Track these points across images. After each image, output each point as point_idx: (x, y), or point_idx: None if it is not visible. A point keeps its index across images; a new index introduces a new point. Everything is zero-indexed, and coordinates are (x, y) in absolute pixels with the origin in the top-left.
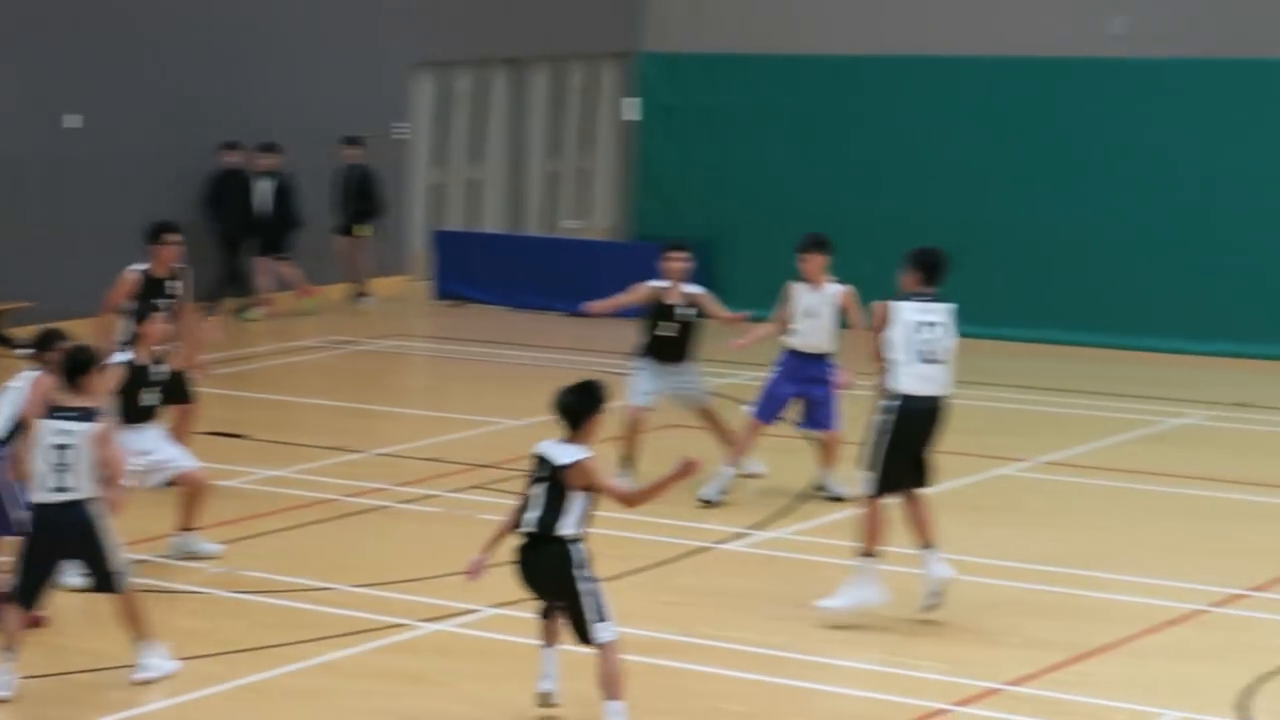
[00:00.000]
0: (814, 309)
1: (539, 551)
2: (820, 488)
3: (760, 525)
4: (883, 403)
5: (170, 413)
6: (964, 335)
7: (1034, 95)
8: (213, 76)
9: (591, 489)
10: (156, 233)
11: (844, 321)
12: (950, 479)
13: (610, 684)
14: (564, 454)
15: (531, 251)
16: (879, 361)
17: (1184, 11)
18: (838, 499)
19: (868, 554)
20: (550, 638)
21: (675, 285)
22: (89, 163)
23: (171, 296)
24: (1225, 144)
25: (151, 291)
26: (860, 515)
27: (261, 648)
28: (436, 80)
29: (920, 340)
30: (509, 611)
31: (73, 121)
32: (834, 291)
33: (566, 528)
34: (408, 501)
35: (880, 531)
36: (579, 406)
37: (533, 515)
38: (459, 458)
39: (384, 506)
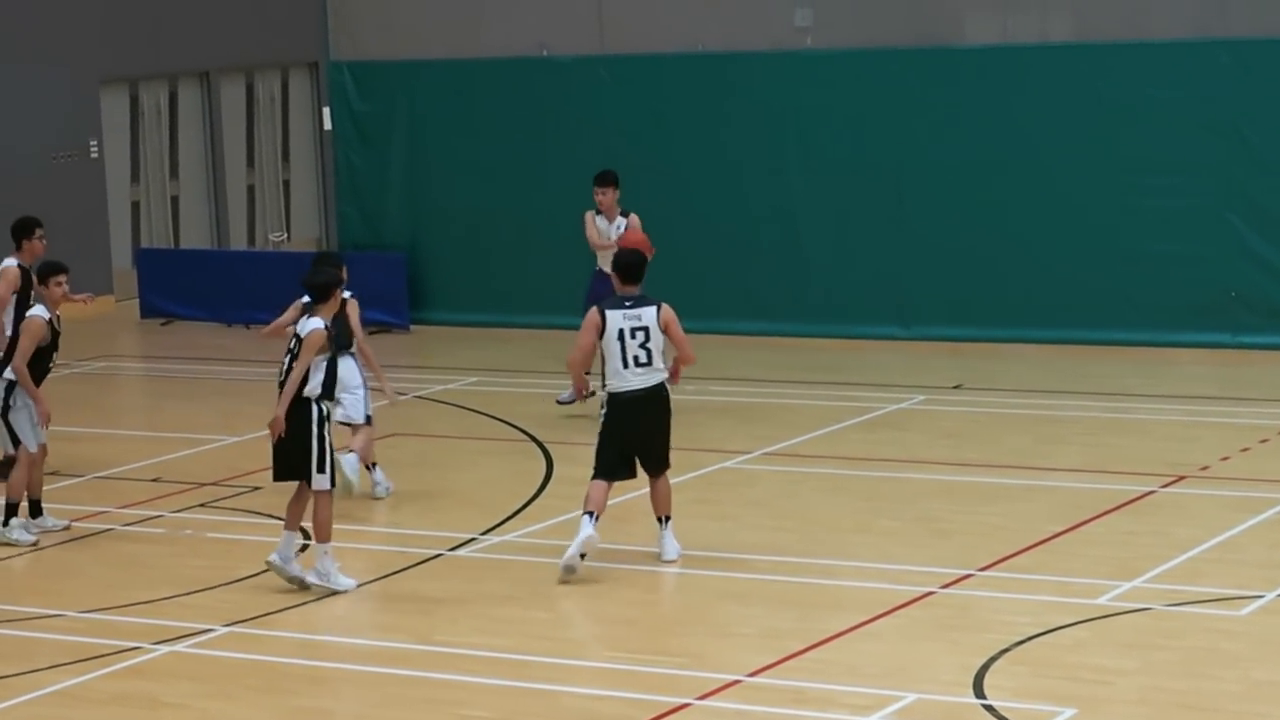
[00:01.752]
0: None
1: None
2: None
3: (488, 530)
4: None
5: None
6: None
7: (725, 90)
8: None
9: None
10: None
11: None
12: (673, 473)
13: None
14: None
15: (235, 266)
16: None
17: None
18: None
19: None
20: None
21: None
22: None
23: None
24: (919, 133)
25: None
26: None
27: None
28: (127, 95)
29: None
30: (243, 629)
31: None
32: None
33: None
34: (131, 524)
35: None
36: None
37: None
38: (179, 477)
39: (108, 530)
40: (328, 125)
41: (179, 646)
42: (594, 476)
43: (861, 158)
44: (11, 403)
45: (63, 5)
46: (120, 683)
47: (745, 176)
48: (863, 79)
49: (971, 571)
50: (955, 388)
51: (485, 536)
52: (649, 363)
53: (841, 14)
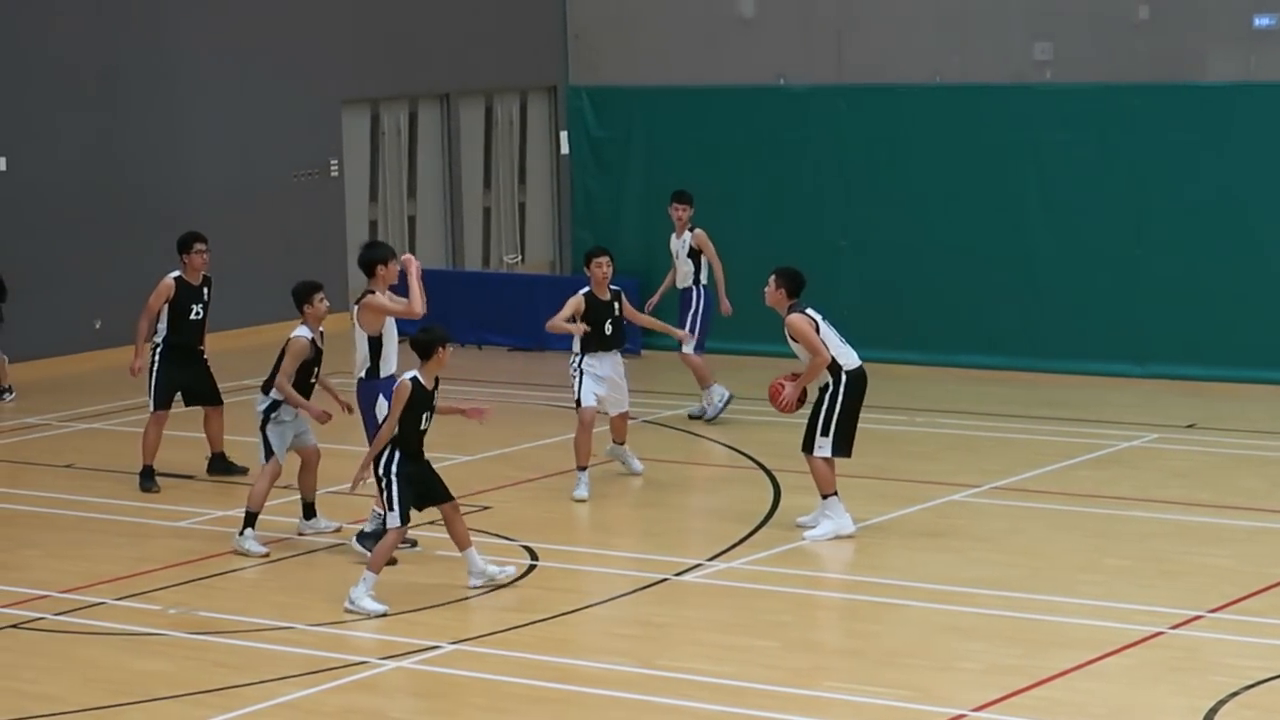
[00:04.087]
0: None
1: None
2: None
3: (715, 556)
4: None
5: None
6: (909, 363)
7: (962, 122)
8: (140, 119)
9: None
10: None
11: None
12: (902, 505)
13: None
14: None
15: (470, 287)
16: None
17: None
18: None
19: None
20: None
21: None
22: (21, 206)
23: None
24: (1159, 170)
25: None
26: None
27: (224, 688)
28: (368, 115)
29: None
30: (469, 647)
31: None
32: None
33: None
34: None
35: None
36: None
37: None
38: None
39: (339, 544)
40: (565, 149)
41: (406, 662)
42: (835, 454)
43: (1099, 193)
44: (274, 417)
45: (308, 27)
46: (347, 697)
47: (981, 208)
48: (1102, 114)
49: (1201, 613)
50: (1189, 427)
51: (711, 563)
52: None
53: (1082, 48)
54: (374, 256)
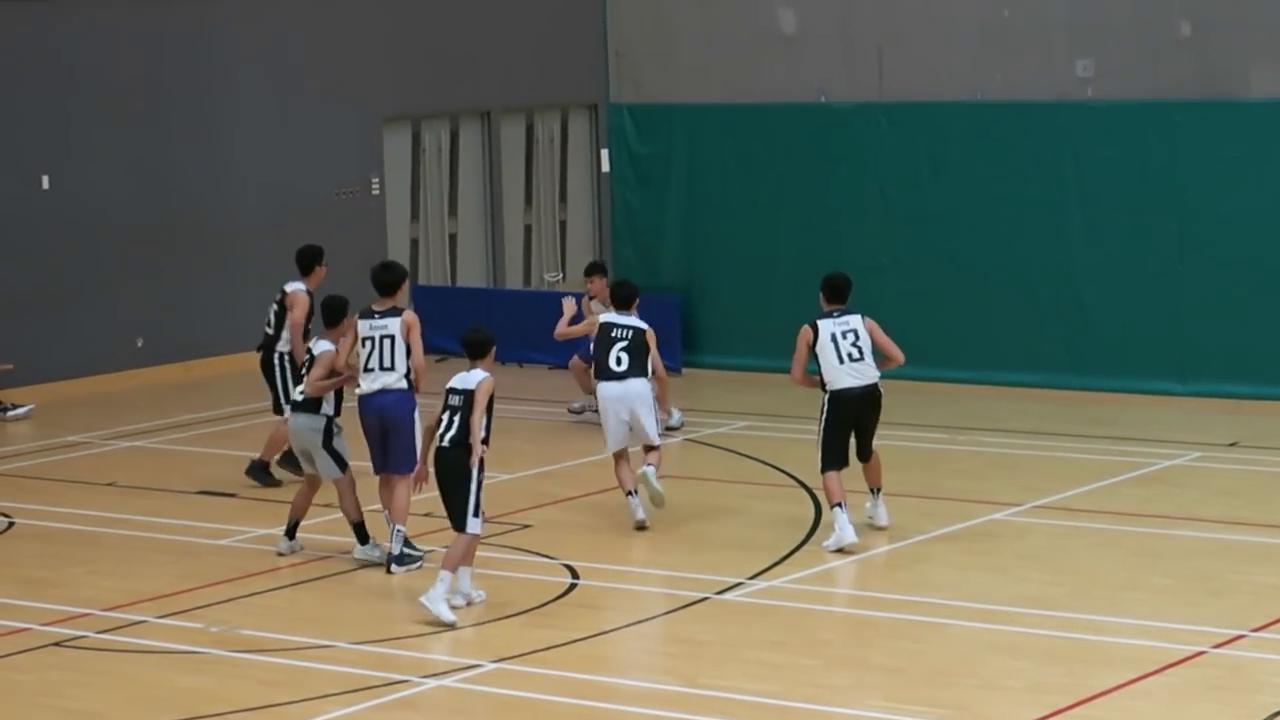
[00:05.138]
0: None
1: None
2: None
3: (757, 574)
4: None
5: None
6: (951, 380)
7: (1004, 139)
8: (183, 138)
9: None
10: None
11: None
12: (945, 523)
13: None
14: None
15: (511, 305)
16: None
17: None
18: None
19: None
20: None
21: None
22: (63, 223)
23: None
24: (1202, 186)
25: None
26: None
27: (266, 706)
28: (410, 133)
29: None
30: (510, 665)
31: (45, 183)
32: None
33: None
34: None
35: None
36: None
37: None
38: None
39: (378, 564)
40: (606, 167)
41: (447, 681)
42: (825, 469)
43: (1142, 210)
44: (335, 430)
45: (349, 44)
46: (389, 715)
47: (1023, 225)
48: (1144, 130)
49: (1245, 632)
50: (1232, 445)
51: (753, 581)
52: (861, 358)
53: (1124, 64)
54: (404, 275)
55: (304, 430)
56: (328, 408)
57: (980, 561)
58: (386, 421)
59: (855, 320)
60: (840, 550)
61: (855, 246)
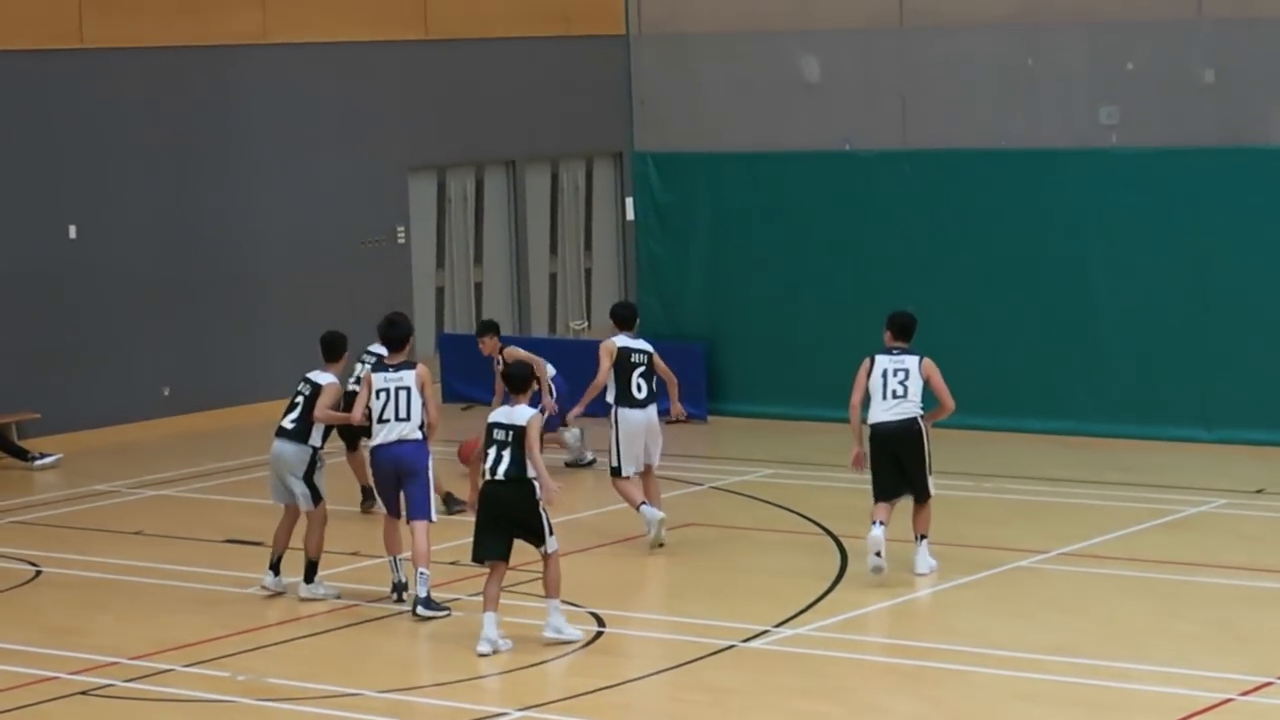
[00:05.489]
0: None
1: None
2: None
3: (783, 622)
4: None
5: None
6: (975, 427)
7: (1028, 186)
8: (208, 187)
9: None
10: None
11: None
12: (970, 571)
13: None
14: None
15: (537, 353)
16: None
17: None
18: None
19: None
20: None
21: None
22: (90, 273)
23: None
24: (1226, 233)
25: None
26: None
27: None
28: (435, 182)
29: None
30: (536, 713)
31: (72, 233)
32: None
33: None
34: None
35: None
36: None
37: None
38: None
39: (407, 611)
40: (630, 215)
41: None
42: (874, 500)
43: (1166, 256)
44: (318, 463)
45: (374, 94)
46: None
47: (1046, 272)
48: (1168, 177)
49: (1271, 679)
50: (1258, 492)
51: (779, 629)
52: (904, 397)
53: (1147, 112)
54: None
55: (290, 458)
56: (315, 439)
57: (1005, 608)
58: (403, 470)
59: (911, 362)
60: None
61: (878, 293)
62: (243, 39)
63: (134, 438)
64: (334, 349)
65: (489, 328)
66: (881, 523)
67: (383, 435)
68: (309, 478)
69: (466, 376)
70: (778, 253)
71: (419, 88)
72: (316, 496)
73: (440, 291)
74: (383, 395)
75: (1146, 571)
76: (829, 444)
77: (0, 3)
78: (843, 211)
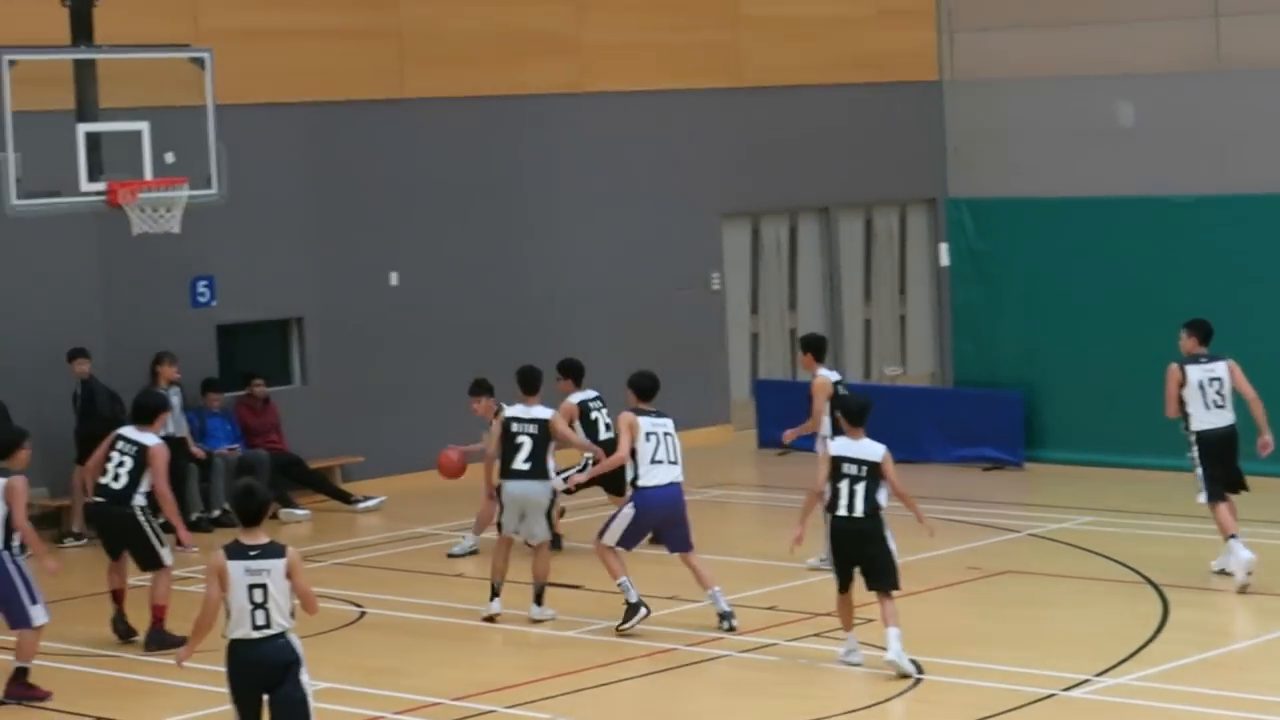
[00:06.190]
0: None
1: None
2: None
3: (1104, 671)
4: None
5: None
6: None
7: None
8: (523, 235)
9: None
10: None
11: None
12: None
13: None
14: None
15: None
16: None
17: None
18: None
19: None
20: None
21: None
22: (410, 318)
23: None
24: None
25: None
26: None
27: None
28: (749, 229)
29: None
30: None
31: (393, 279)
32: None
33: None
34: (747, 650)
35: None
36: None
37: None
38: (794, 605)
39: (723, 656)
40: (944, 261)
41: None
42: (1211, 500)
43: None
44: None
45: (688, 142)
46: None
47: None
48: None
49: None
50: None
51: (1099, 678)
52: (1223, 406)
53: None
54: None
55: (537, 495)
56: (558, 479)
57: None
58: (676, 510)
59: (1221, 369)
60: (1222, 572)
61: None
62: (557, 88)
63: (454, 480)
64: (531, 381)
65: (482, 388)
66: (1236, 536)
67: (661, 476)
68: (549, 512)
69: (781, 421)
70: (1093, 298)
71: (732, 135)
72: (551, 529)
73: (755, 338)
74: (652, 439)
75: None
76: (1148, 492)
77: (326, 56)
78: (1160, 256)
